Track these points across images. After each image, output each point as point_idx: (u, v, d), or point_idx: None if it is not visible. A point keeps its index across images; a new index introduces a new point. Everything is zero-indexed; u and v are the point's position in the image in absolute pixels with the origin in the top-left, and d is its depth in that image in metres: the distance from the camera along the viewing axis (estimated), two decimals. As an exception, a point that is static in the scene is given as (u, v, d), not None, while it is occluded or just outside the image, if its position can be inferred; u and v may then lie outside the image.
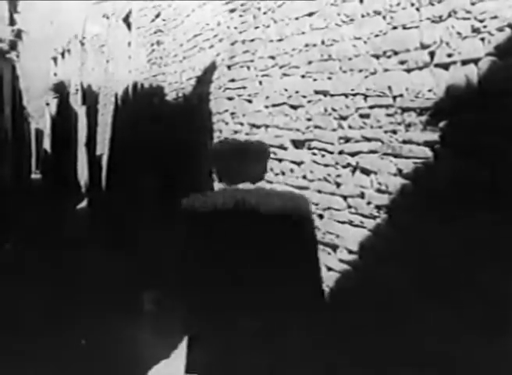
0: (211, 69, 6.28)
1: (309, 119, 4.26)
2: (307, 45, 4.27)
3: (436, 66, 3.07)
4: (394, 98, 3.37)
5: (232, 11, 5.67)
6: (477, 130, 2.79)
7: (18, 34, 13.84)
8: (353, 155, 3.75)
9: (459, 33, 2.91)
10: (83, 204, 16.05)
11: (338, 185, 3.91)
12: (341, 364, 3.74)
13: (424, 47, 3.14)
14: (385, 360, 3.36)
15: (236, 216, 2.84)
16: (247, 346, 2.79)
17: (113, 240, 9.43)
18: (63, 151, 20.89)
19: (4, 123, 12.71)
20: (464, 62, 2.87)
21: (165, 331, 3.18)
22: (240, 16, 5.46)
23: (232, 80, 5.61)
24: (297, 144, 4.43)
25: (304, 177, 4.31)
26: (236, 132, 5.49)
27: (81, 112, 17.49)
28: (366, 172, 3.62)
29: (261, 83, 5.02)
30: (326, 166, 4.04)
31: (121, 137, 11.16)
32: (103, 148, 13.11)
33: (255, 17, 5.14)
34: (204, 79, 6.49)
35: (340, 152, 3.88)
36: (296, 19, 4.42)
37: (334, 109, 3.95)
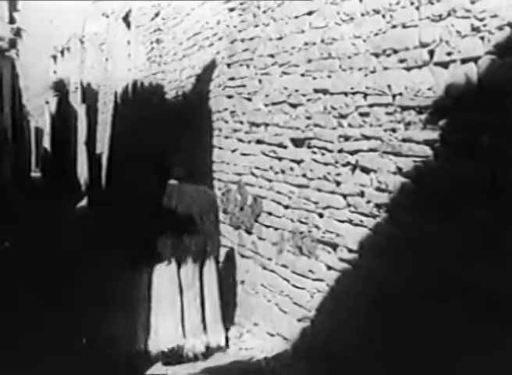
0: (210, 67, 6.27)
1: (309, 118, 4.26)
2: (306, 44, 4.28)
3: (436, 64, 3.07)
4: (394, 96, 3.38)
5: (231, 10, 5.67)
6: (476, 128, 2.79)
7: (17, 33, 13.81)
8: (352, 153, 3.75)
9: (458, 32, 2.91)
10: (83, 202, 16.04)
11: (338, 184, 3.91)
12: (342, 361, 3.75)
13: (423, 45, 3.15)
14: (384, 358, 3.37)
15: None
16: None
17: (113, 238, 9.43)
18: (63, 149, 20.83)
19: (3, 122, 12.70)
20: (464, 61, 2.88)
21: None
22: (240, 14, 5.46)
23: (232, 79, 5.60)
24: (297, 142, 4.43)
25: (304, 176, 4.31)
26: (235, 130, 5.49)
27: (81, 110, 17.46)
28: (366, 170, 3.63)
29: (260, 81, 5.02)
30: (326, 164, 4.04)
31: (121, 136, 11.16)
32: (103, 146, 13.10)
33: (255, 16, 5.14)
34: (204, 77, 6.48)
35: (340, 151, 3.88)
36: (296, 17, 4.42)
37: (334, 108, 3.95)
